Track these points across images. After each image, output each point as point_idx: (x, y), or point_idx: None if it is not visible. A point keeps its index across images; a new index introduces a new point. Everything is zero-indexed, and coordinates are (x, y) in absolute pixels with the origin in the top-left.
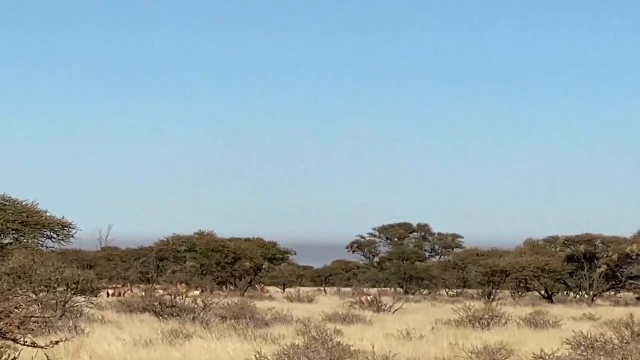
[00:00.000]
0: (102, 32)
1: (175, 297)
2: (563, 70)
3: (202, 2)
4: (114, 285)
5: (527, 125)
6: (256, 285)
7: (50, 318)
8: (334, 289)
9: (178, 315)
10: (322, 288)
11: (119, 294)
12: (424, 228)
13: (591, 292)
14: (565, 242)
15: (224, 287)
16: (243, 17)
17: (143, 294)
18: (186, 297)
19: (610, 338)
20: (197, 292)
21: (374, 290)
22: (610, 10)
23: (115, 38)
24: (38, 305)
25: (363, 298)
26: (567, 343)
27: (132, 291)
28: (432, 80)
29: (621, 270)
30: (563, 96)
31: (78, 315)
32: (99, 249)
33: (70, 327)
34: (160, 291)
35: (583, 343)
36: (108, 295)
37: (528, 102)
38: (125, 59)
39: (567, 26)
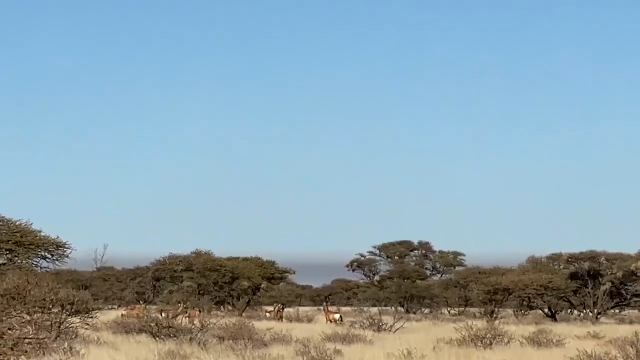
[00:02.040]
0: (103, 51)
1: (173, 318)
2: (568, 84)
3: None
4: (132, 307)
5: (530, 142)
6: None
7: (45, 340)
8: (334, 308)
9: (175, 337)
10: (321, 308)
11: (137, 315)
12: (425, 246)
13: (595, 311)
14: (569, 260)
15: (222, 307)
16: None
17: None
18: (187, 317)
19: (615, 357)
20: (196, 313)
21: (372, 310)
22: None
23: (111, 57)
24: (32, 326)
25: (330, 317)
26: None
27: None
28: (430, 96)
29: (626, 287)
30: (565, 113)
31: (73, 336)
32: (95, 270)
33: (65, 349)
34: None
35: None
36: (123, 316)
37: (530, 119)
38: (122, 78)
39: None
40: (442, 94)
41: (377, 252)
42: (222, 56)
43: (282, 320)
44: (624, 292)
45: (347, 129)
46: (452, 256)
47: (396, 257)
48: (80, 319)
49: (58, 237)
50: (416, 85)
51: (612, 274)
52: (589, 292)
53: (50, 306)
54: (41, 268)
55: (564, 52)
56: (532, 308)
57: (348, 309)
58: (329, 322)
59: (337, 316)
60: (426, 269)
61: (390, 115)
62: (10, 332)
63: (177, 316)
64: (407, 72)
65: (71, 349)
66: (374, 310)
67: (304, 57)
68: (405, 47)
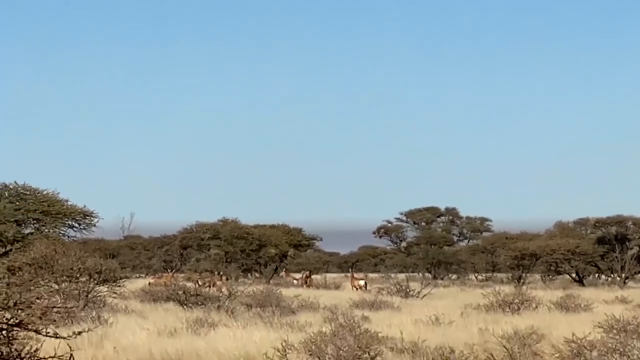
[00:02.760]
0: (122, 20)
1: (208, 286)
2: (594, 47)
3: None
4: (159, 275)
5: (556, 105)
6: (282, 274)
7: (73, 308)
8: (360, 275)
9: (203, 304)
10: (348, 274)
11: (164, 283)
12: (451, 212)
13: (623, 275)
14: (596, 224)
15: (249, 274)
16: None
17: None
18: (213, 285)
19: None
20: (221, 283)
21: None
22: None
23: (133, 27)
24: (60, 295)
25: (355, 283)
26: (599, 327)
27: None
28: (455, 60)
29: None
30: (592, 75)
31: (101, 305)
32: (122, 238)
33: (93, 317)
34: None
35: (615, 326)
36: (150, 284)
37: (556, 82)
38: (143, 49)
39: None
40: (468, 58)
41: (404, 218)
42: (255, 13)
43: (310, 285)
44: None
45: (372, 93)
46: (478, 221)
47: (423, 223)
48: (108, 287)
49: (85, 206)
50: (441, 48)
51: (639, 237)
52: (616, 257)
53: (78, 275)
54: (68, 237)
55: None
56: (559, 273)
57: (375, 275)
58: (354, 288)
59: (362, 282)
60: (453, 234)
61: (416, 78)
62: (38, 301)
63: (210, 284)
64: (433, 34)
65: (99, 317)
66: (401, 276)
67: (331, 17)
68: (435, 9)
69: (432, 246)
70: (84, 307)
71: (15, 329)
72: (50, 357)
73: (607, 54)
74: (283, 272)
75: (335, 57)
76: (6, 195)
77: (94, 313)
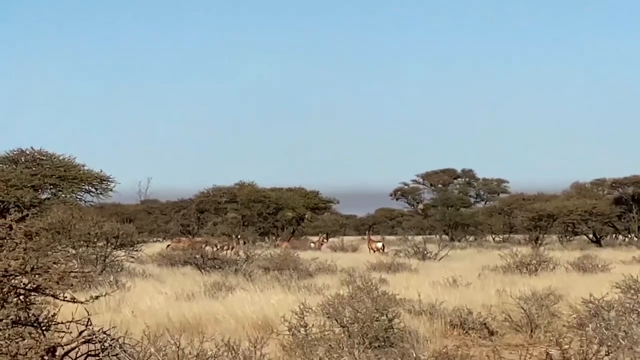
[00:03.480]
0: None
1: (227, 249)
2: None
3: None
4: (177, 239)
5: (573, 65)
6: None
7: (91, 273)
8: (377, 237)
9: (220, 268)
10: (366, 237)
11: (182, 247)
12: (468, 174)
13: None
14: (613, 185)
15: (266, 238)
16: None
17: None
18: (232, 248)
19: None
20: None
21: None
22: None
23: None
24: (78, 260)
25: (373, 246)
26: (616, 287)
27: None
28: (470, 18)
29: None
30: (606, 32)
31: (119, 269)
32: (139, 203)
33: (111, 282)
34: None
35: (633, 287)
36: (168, 247)
37: (573, 40)
38: (159, 17)
39: None
40: (479, 18)
41: (421, 180)
42: None
43: (320, 247)
44: None
45: (388, 57)
46: (495, 183)
47: (439, 185)
48: (125, 252)
49: (101, 171)
50: (448, 14)
51: None
52: (633, 217)
53: (95, 240)
54: (85, 202)
55: None
56: (576, 234)
57: (392, 237)
58: (371, 251)
59: (380, 245)
60: (470, 196)
61: (431, 40)
62: (55, 266)
63: (229, 247)
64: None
65: (117, 281)
66: (418, 238)
67: None
68: None
69: (449, 208)
70: (102, 271)
71: (32, 293)
72: (67, 321)
73: (624, 14)
74: (279, 241)
75: (348, 20)
76: (23, 160)
77: (111, 277)
